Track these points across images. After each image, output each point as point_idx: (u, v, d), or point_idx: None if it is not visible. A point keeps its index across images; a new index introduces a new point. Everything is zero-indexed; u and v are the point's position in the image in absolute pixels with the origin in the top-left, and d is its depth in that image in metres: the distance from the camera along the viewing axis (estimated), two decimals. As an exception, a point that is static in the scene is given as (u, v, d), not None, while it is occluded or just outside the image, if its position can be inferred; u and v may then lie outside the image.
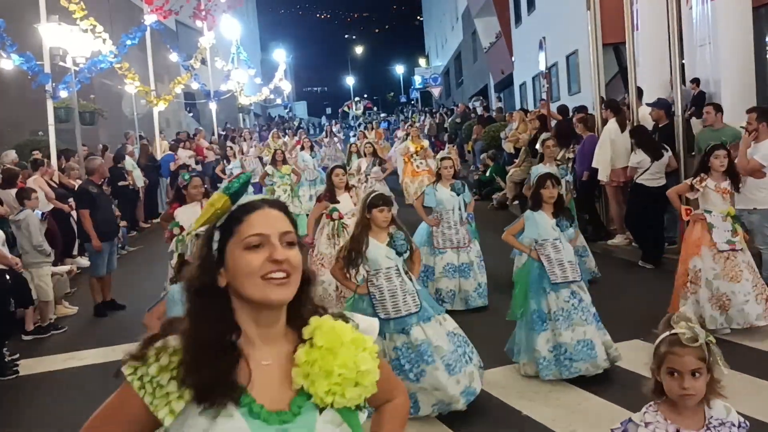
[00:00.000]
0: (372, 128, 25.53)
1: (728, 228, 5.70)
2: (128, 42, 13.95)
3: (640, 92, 9.41)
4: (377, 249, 4.58)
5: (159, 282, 9.58)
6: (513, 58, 26.40)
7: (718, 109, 8.06)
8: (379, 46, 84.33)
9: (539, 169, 7.25)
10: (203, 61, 22.07)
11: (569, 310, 4.96)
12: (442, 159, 7.49)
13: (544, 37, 13.08)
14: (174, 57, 20.01)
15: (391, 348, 4.47)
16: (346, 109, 45.94)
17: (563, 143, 10.01)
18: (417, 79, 48.56)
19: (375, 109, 50.12)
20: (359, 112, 45.84)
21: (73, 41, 11.58)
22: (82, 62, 12.04)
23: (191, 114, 28.80)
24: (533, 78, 23.46)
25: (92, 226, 7.77)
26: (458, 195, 7.12)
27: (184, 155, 17.52)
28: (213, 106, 23.40)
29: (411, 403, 4.09)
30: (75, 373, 6.27)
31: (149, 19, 15.61)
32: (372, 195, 4.68)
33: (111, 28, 14.17)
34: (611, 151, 8.72)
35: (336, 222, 7.08)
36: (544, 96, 14.80)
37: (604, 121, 9.20)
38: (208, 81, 23.17)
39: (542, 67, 13.89)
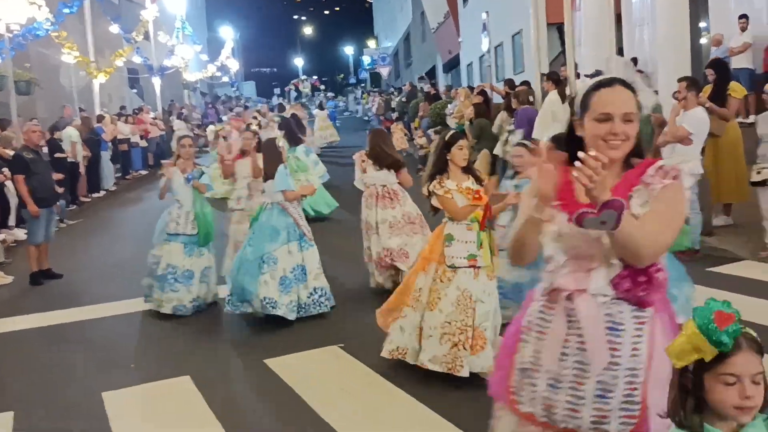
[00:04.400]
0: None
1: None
2: (65, 10, 13.51)
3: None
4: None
5: (97, 254, 9.47)
6: (460, 39, 26.60)
7: None
8: (328, 27, 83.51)
9: None
10: (146, 36, 21.48)
11: None
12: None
13: (487, 11, 13.22)
14: (115, 29, 19.45)
15: None
16: (293, 87, 45.51)
17: (511, 116, 10.26)
18: (366, 60, 48.42)
19: (323, 88, 49.80)
20: (307, 89, 45.48)
21: (6, 7, 11.15)
22: (16, 29, 11.63)
23: (134, 90, 28.06)
24: (480, 58, 23.71)
25: (28, 193, 7.59)
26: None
27: (126, 130, 17.11)
28: (157, 81, 22.84)
29: None
30: (11, 338, 6.16)
31: (89, -13, 15.16)
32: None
33: (47, -3, 13.64)
34: (552, 121, 8.93)
35: None
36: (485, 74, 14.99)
37: (545, 94, 9.43)
38: (152, 56, 22.59)
39: (484, 48, 14.06)
